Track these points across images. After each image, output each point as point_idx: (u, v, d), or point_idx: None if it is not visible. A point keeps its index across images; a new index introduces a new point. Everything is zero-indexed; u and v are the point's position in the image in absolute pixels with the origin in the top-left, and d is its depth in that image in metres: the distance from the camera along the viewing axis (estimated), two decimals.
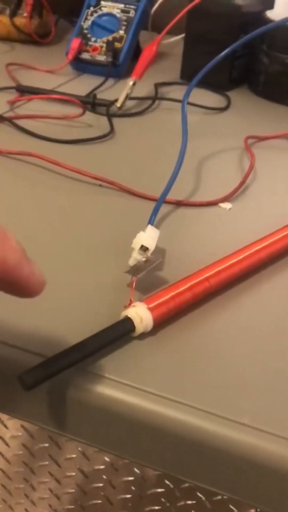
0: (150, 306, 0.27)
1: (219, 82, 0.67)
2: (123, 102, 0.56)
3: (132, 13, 0.68)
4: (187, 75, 0.70)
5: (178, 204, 0.40)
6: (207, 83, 0.67)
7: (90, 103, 0.56)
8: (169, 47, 0.82)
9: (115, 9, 0.69)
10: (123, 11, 0.68)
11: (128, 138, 0.52)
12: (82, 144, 0.49)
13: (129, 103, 0.59)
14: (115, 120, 0.55)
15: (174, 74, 0.72)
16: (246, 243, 0.34)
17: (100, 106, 0.57)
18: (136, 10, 0.68)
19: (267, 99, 0.66)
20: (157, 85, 0.65)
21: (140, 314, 0.26)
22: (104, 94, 0.63)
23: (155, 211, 0.35)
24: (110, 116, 0.55)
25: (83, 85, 0.65)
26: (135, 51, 0.71)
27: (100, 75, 0.66)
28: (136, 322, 0.26)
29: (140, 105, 0.60)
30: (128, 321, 0.26)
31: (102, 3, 0.69)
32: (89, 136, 0.50)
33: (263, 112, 0.62)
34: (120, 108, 0.56)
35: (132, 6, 0.68)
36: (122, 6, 0.69)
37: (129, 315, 0.26)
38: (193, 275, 0.30)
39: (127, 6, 0.68)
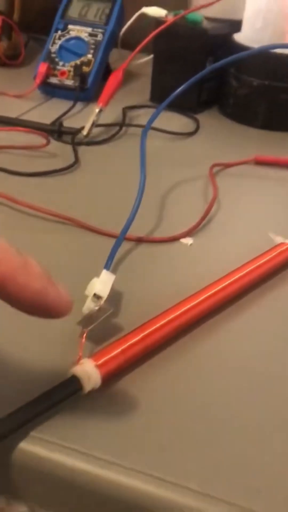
0: (98, 363, 0.26)
1: (188, 105, 0.67)
2: (89, 130, 0.55)
3: (100, 37, 0.68)
4: (156, 98, 0.70)
5: (139, 241, 0.40)
6: (176, 106, 0.67)
7: (56, 131, 0.56)
8: (140, 67, 0.82)
9: (83, 33, 0.68)
10: (91, 34, 0.68)
11: (93, 168, 0.51)
12: (45, 177, 0.48)
13: (96, 130, 0.58)
14: (82, 149, 0.55)
15: (144, 95, 0.71)
16: (206, 281, 0.34)
17: (66, 134, 0.56)
18: (104, 34, 0.68)
19: (236, 121, 0.66)
20: (125, 110, 0.64)
21: (88, 372, 0.25)
22: (73, 119, 0.63)
23: (112, 254, 0.34)
24: (76, 144, 0.54)
25: (51, 109, 0.64)
26: (105, 72, 0.70)
27: (69, 99, 0.66)
28: (84, 381, 0.25)
29: (108, 132, 0.59)
30: (75, 380, 0.25)
31: (70, 27, 0.69)
32: (54, 167, 0.50)
33: (232, 136, 0.62)
34: (86, 136, 0.55)
35: (100, 30, 0.68)
36: (90, 29, 0.68)
37: (76, 374, 0.25)
38: (146, 324, 0.29)
39: (95, 29, 0.68)
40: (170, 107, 0.67)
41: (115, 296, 0.33)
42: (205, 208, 0.44)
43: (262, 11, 0.62)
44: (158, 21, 0.65)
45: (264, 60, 0.61)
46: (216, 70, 0.67)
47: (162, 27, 0.62)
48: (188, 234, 0.41)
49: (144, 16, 0.68)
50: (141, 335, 0.28)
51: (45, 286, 0.21)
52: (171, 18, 0.64)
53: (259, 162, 0.55)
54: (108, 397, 0.26)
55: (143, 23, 0.70)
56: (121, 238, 0.36)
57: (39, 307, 0.21)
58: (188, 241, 0.40)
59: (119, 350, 0.27)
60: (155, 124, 0.53)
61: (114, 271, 0.36)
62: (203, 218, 0.42)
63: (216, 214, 0.45)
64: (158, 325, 0.29)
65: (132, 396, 0.27)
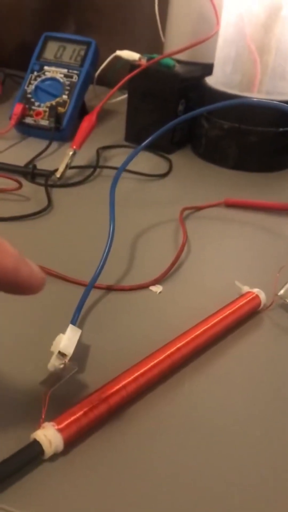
0: (60, 426, 0.26)
1: (162, 145, 0.68)
2: (63, 173, 0.56)
3: (75, 78, 0.69)
4: (131, 138, 0.71)
5: (109, 289, 0.40)
6: (150, 146, 0.68)
7: (29, 173, 0.56)
8: (116, 105, 0.83)
9: (59, 74, 0.70)
10: (66, 75, 0.69)
11: (67, 212, 0.52)
12: (16, 221, 0.49)
13: (71, 172, 0.59)
14: (55, 191, 0.55)
15: (120, 133, 0.73)
16: (174, 332, 0.34)
17: (39, 176, 0.57)
18: (79, 75, 0.69)
19: (208, 161, 0.68)
20: (99, 151, 0.65)
21: (49, 437, 0.25)
22: (49, 159, 0.63)
23: (79, 307, 0.35)
24: (49, 187, 0.55)
25: (27, 149, 0.65)
26: (81, 111, 0.72)
27: (45, 139, 0.67)
28: (45, 446, 0.25)
29: (82, 173, 0.60)
30: (36, 445, 0.25)
31: (46, 68, 0.70)
32: (26, 210, 0.50)
33: (204, 177, 0.64)
34: (60, 178, 0.56)
35: (75, 71, 0.70)
36: (65, 71, 0.70)
37: (37, 438, 0.25)
38: (111, 383, 0.29)
39: (70, 71, 0.70)
40: (144, 147, 0.69)
41: (81, 351, 0.33)
42: (175, 254, 0.45)
43: (232, 57, 0.64)
44: (132, 65, 0.66)
45: (235, 104, 0.63)
46: (189, 111, 0.70)
47: (135, 71, 0.64)
48: (157, 281, 0.42)
49: (118, 58, 0.69)
50: (105, 395, 0.28)
51: (17, 263, 0.22)
52: (144, 62, 0.66)
53: (229, 205, 0.56)
54: (71, 461, 0.26)
55: (118, 64, 0.72)
56: (88, 289, 0.36)
57: (11, 284, 0.22)
58: (157, 288, 0.41)
59: (81, 412, 0.27)
60: (128, 165, 0.54)
61: (82, 323, 0.36)
62: (172, 265, 0.43)
63: (186, 260, 0.45)
64: (123, 383, 0.29)
65: (96, 460, 0.27)
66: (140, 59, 0.67)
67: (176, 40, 0.71)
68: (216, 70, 0.67)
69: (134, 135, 0.70)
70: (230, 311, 0.37)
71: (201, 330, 0.35)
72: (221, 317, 0.37)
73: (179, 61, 0.69)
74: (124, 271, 0.43)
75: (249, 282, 0.42)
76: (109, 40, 0.90)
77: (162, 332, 0.35)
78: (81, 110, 0.73)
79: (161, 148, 0.68)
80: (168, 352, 0.32)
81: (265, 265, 0.45)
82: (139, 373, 0.30)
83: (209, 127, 0.66)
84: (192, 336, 0.34)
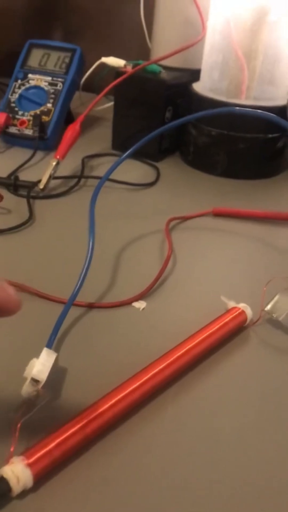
0: (29, 461, 0.24)
1: (150, 153, 0.67)
2: (46, 184, 0.55)
3: (59, 86, 0.68)
4: (118, 146, 0.70)
5: (89, 306, 0.39)
6: (138, 154, 0.67)
7: (12, 185, 0.55)
8: (104, 112, 0.82)
9: (43, 82, 0.68)
10: (50, 84, 0.68)
11: (49, 224, 0.50)
12: None
13: (54, 183, 0.58)
14: (38, 203, 0.54)
15: (107, 142, 0.72)
16: (157, 351, 0.33)
17: (22, 187, 0.55)
18: (63, 83, 0.68)
19: (197, 169, 0.66)
20: (85, 160, 0.64)
21: (17, 473, 0.24)
22: (33, 168, 0.62)
23: (56, 329, 0.33)
24: (32, 199, 0.54)
25: (11, 159, 0.64)
26: (67, 119, 0.70)
27: (30, 148, 0.65)
28: (12, 483, 0.24)
29: (67, 184, 0.59)
30: (3, 482, 0.24)
31: (30, 76, 0.69)
32: (8, 223, 0.48)
33: (192, 185, 0.62)
34: (43, 190, 0.55)
35: (60, 79, 0.68)
36: (49, 79, 0.68)
37: (4, 475, 0.24)
38: (86, 411, 0.28)
39: (55, 79, 0.68)
40: (132, 155, 0.68)
41: (57, 375, 0.32)
42: (160, 267, 0.43)
43: (219, 63, 0.63)
44: (118, 72, 0.65)
45: None
46: (177, 118, 0.68)
47: (121, 79, 0.63)
48: (140, 297, 0.40)
49: (103, 65, 0.68)
50: (82, 423, 0.27)
51: None
52: (130, 68, 0.65)
53: (217, 214, 0.55)
54: (41, 497, 0.25)
55: (104, 70, 0.71)
56: (66, 309, 0.35)
57: None
58: (140, 305, 0.39)
59: (54, 444, 0.25)
60: (115, 174, 0.52)
61: (59, 344, 0.35)
62: (156, 280, 0.42)
63: (171, 273, 0.44)
64: (101, 409, 0.28)
65: (68, 495, 0.25)
66: (125, 65, 0.66)
67: (163, 46, 0.70)
68: (203, 76, 0.66)
69: (121, 143, 0.69)
70: (214, 329, 0.36)
71: (184, 349, 0.34)
72: (205, 335, 0.35)
73: (166, 68, 0.68)
74: (106, 287, 0.42)
75: (237, 296, 0.40)
76: (97, 46, 0.89)
77: (144, 352, 0.34)
78: (67, 118, 0.71)
79: (149, 156, 0.67)
80: (150, 374, 0.31)
81: (253, 278, 0.44)
82: (118, 397, 0.29)
83: (197, 134, 0.65)
84: (175, 356, 0.33)
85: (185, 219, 0.54)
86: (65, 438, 0.26)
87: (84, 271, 0.37)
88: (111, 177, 0.58)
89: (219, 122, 0.62)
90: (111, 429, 0.29)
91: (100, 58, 0.69)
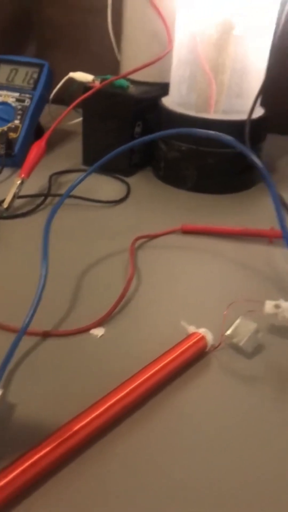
0: None
1: (120, 168, 0.66)
2: (10, 203, 0.53)
3: (27, 102, 0.67)
4: (88, 161, 0.69)
5: (44, 335, 0.37)
6: (108, 169, 0.66)
7: None
8: (76, 126, 0.81)
9: (10, 98, 0.67)
10: (18, 100, 0.67)
11: (13, 245, 0.49)
12: None
13: (19, 202, 0.57)
14: (2, 223, 0.53)
15: (78, 157, 0.70)
16: (114, 381, 0.32)
17: None
18: (31, 99, 0.67)
19: (168, 184, 0.66)
20: (53, 177, 0.63)
21: None
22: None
23: (5, 363, 0.32)
24: None
25: None
26: (37, 134, 0.69)
27: None
28: None
29: (33, 202, 0.57)
30: None
31: None
32: None
33: (162, 200, 0.61)
34: (7, 209, 0.53)
35: (28, 95, 0.67)
36: (17, 95, 0.67)
37: None
38: (31, 451, 0.26)
39: (22, 95, 0.67)
40: (102, 170, 0.67)
41: (5, 413, 0.31)
42: (121, 291, 0.42)
43: (187, 77, 0.62)
44: (85, 87, 0.64)
45: (191, 125, 0.61)
46: (147, 133, 0.68)
47: (87, 94, 0.62)
48: (99, 324, 0.39)
49: (72, 80, 0.67)
50: (21, 467, 0.25)
51: None
52: (97, 83, 0.64)
53: (186, 231, 0.54)
54: None
55: (73, 85, 0.70)
56: (16, 340, 0.33)
57: None
58: (98, 332, 0.38)
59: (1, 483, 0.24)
60: (83, 191, 0.51)
61: (10, 377, 0.33)
62: (115, 305, 0.40)
63: (133, 297, 0.43)
64: (45, 450, 0.27)
65: None
66: (93, 80, 0.65)
67: (132, 59, 0.69)
68: (172, 90, 0.65)
69: (92, 159, 0.68)
70: (172, 357, 0.35)
71: (141, 380, 0.33)
72: (162, 364, 0.34)
73: (135, 82, 0.68)
74: (64, 313, 0.40)
75: (199, 319, 0.39)
76: (71, 59, 0.89)
77: (100, 383, 0.33)
78: (38, 134, 0.70)
79: (120, 171, 0.66)
80: (106, 406, 0.30)
81: (218, 299, 0.43)
82: (65, 436, 0.27)
83: (167, 149, 0.64)
84: (130, 387, 0.32)
85: (152, 237, 0.53)
86: (2, 486, 0.25)
87: (37, 297, 0.36)
88: (77, 194, 0.57)
89: (189, 137, 0.62)
90: (55, 471, 0.27)
91: (74, 70, 0.68)
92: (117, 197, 0.60)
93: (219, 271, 0.47)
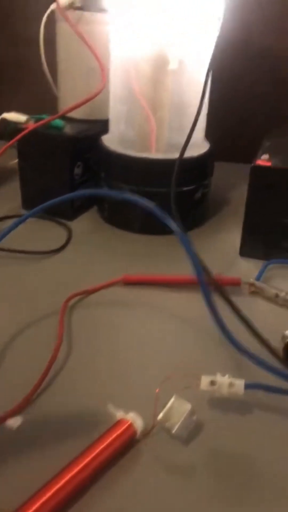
0: None
1: (62, 212, 0.62)
2: None
3: None
4: (28, 205, 0.65)
5: None
6: (50, 213, 0.62)
7: None
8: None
9: None
10: None
11: None
12: None
13: None
14: None
15: (17, 201, 0.66)
16: (31, 487, 0.27)
17: None
18: None
19: (114, 225, 0.62)
20: None
21: None
22: None
23: None
24: None
25: None
26: None
27: None
28: None
29: None
30: None
31: None
32: None
33: (107, 246, 0.57)
34: None
35: None
36: None
37: None
38: None
39: None
40: (42, 214, 0.62)
41: None
42: (46, 365, 0.38)
43: (125, 114, 0.59)
44: (18, 128, 0.60)
45: (132, 166, 0.58)
46: (87, 173, 0.64)
47: (19, 136, 0.58)
48: (16, 412, 0.34)
49: (5, 121, 0.63)
50: None
51: None
52: (32, 124, 0.60)
53: (128, 283, 0.50)
54: None
55: (9, 126, 0.66)
56: None
57: None
58: (15, 422, 0.34)
59: None
60: (17, 239, 0.47)
61: None
62: (34, 389, 0.36)
63: (59, 372, 0.38)
64: None
65: None
66: (27, 121, 0.61)
67: (69, 97, 0.66)
68: (111, 127, 0.62)
69: (31, 202, 0.64)
70: (97, 451, 0.31)
71: (60, 484, 0.28)
72: (84, 462, 0.30)
73: (74, 120, 0.64)
74: None
75: (132, 397, 0.35)
76: (13, 97, 0.85)
77: (16, 488, 0.28)
78: None
79: (61, 215, 0.62)
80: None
81: (154, 370, 0.39)
82: None
83: (109, 190, 0.60)
84: (50, 494, 0.28)
85: (90, 292, 0.48)
86: None
87: None
88: (10, 244, 0.53)
89: (131, 178, 0.58)
90: None
91: (15, 109, 0.64)
92: (56, 245, 0.56)
93: (158, 332, 0.43)
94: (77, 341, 0.41)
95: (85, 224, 0.62)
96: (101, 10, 0.58)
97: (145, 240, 0.59)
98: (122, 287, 0.50)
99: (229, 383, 0.33)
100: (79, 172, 0.62)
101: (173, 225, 0.33)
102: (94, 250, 0.56)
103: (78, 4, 0.60)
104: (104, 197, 0.62)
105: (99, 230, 0.61)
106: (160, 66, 0.54)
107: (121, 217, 0.61)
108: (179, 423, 0.32)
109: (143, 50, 0.54)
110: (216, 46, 0.51)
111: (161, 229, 0.60)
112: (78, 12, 0.60)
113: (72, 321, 0.44)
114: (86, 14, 0.60)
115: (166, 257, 0.55)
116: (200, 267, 0.33)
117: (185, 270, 0.51)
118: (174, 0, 0.50)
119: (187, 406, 0.32)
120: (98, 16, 0.59)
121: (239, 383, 0.33)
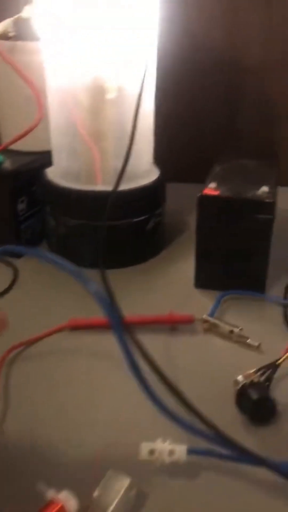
0: None
1: (7, 249, 0.58)
2: None
3: None
4: None
5: None
6: None
7: None
8: None
9: None
10: None
11: None
12: None
13: None
14: None
15: None
16: None
17: None
18: None
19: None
20: None
21: None
22: None
23: None
24: None
25: None
26: None
27: None
28: None
29: None
30: None
31: None
32: None
33: (55, 286, 0.54)
34: None
35: None
36: None
37: None
38: None
39: None
40: None
41: None
42: None
43: (66, 146, 0.56)
44: None
45: (78, 200, 0.55)
46: (34, 206, 0.61)
47: None
48: None
49: None
50: None
51: None
52: None
53: (74, 328, 0.47)
54: None
55: None
56: None
57: None
58: None
59: None
60: None
61: None
62: None
63: None
64: None
65: None
66: None
67: (12, 129, 0.62)
68: (55, 160, 0.59)
69: None
70: None
71: None
72: None
73: (17, 153, 0.61)
74: None
75: (67, 472, 0.32)
76: None
77: None
78: None
79: (7, 252, 0.59)
80: None
81: (96, 436, 0.35)
82: None
83: (56, 224, 0.57)
84: None
85: (32, 342, 0.45)
86: None
87: None
88: None
89: (77, 212, 0.55)
90: None
91: None
92: (0, 288, 0.53)
93: (101, 387, 0.40)
94: (13, 404, 0.38)
95: (34, 262, 0.59)
96: (36, 39, 0.56)
97: (99, 275, 0.56)
98: (69, 333, 0.47)
99: (170, 451, 0.30)
100: (23, 207, 0.59)
101: (95, 295, 0.28)
102: (41, 292, 0.53)
103: (12, 33, 0.57)
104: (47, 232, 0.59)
105: (49, 268, 0.58)
106: (98, 95, 0.51)
107: (71, 252, 0.58)
108: (115, 501, 0.29)
109: (80, 79, 0.51)
110: (151, 74, 0.49)
111: (116, 263, 0.58)
112: (11, 42, 0.57)
113: (11, 378, 0.41)
114: (20, 43, 0.57)
115: (122, 291, 0.52)
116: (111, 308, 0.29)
117: (140, 309, 0.48)
118: (106, 29, 0.48)
119: (126, 480, 0.29)
120: (33, 45, 0.56)
121: (181, 450, 0.30)
